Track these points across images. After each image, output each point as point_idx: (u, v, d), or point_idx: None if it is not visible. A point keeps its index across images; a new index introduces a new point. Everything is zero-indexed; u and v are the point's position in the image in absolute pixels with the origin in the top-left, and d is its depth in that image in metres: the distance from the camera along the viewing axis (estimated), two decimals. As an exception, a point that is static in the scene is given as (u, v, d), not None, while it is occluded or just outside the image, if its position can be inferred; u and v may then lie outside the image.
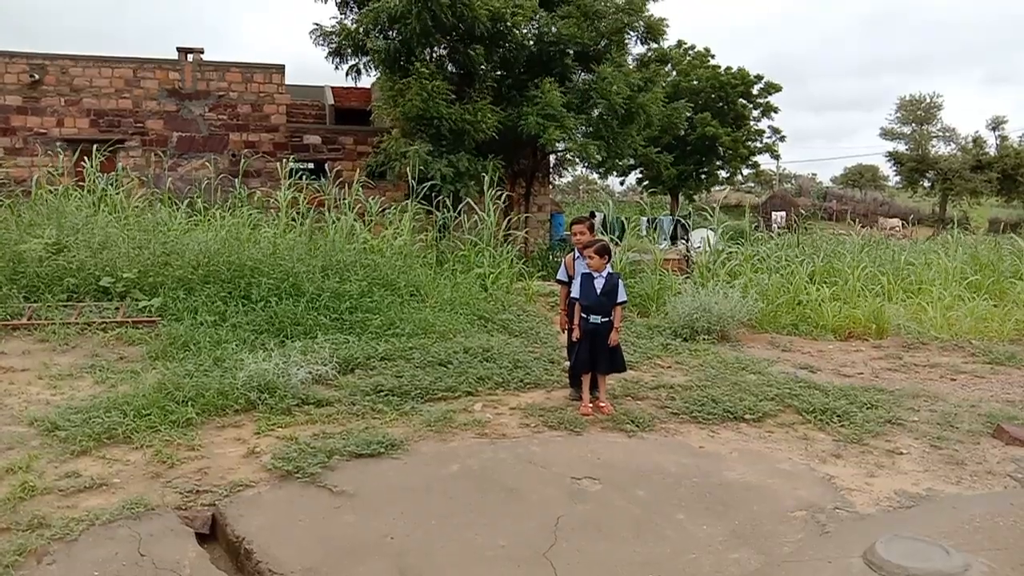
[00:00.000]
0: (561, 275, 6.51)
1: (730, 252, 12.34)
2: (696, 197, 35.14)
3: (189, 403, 5.57)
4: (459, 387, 6.48)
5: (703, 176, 36.69)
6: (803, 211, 28.46)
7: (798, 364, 7.94)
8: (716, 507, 4.50)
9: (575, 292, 6.14)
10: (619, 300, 6.21)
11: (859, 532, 4.14)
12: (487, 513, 4.34)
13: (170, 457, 4.82)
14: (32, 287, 8.31)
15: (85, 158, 12.87)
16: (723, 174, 37.87)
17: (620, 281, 6.18)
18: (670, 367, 7.63)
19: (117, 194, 12.04)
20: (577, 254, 6.34)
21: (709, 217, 14.04)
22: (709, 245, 12.36)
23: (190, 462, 4.82)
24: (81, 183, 12.66)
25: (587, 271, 6.11)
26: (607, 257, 6.09)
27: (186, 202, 12.41)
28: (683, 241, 18.36)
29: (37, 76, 18.16)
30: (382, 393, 6.18)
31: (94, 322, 7.70)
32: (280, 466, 4.72)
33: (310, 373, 6.32)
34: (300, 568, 3.65)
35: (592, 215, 27.34)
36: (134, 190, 13.15)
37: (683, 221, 20.20)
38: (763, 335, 9.40)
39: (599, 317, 6.05)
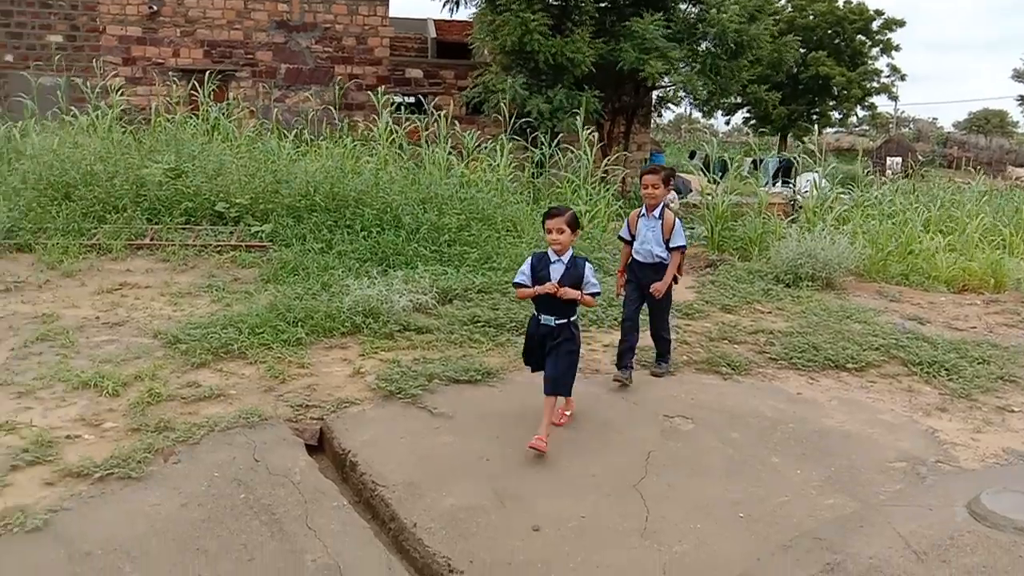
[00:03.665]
0: (623, 233, 5.60)
1: (840, 196, 11.83)
2: (806, 139, 33.65)
3: (299, 324, 5.85)
4: (554, 322, 6.54)
5: (814, 117, 35.03)
6: (920, 157, 26.90)
7: (906, 315, 7.64)
8: (812, 453, 4.45)
9: (521, 277, 4.48)
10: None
11: (962, 485, 4.03)
12: (579, 443, 4.43)
13: (281, 373, 5.11)
14: (153, 210, 8.81)
15: (198, 87, 13.39)
16: (836, 116, 36.07)
17: (590, 270, 4.46)
18: (770, 312, 7.48)
19: (229, 123, 12.51)
20: (643, 211, 5.44)
21: (818, 160, 13.46)
22: (817, 189, 11.88)
23: (300, 379, 5.11)
24: (195, 112, 13.20)
25: (543, 252, 4.49)
26: (576, 232, 4.48)
27: (293, 133, 12.77)
28: (789, 184, 17.71)
29: (155, 7, 18.85)
30: (479, 324, 6.32)
31: (210, 245, 8.13)
32: (383, 386, 4.94)
33: (411, 301, 6.51)
34: (401, 482, 3.85)
35: (692, 154, 26.55)
36: (245, 120, 13.63)
37: (791, 163, 19.44)
38: (871, 284, 9.06)
39: (553, 318, 4.37)
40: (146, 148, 10.50)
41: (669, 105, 21.68)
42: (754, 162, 18.23)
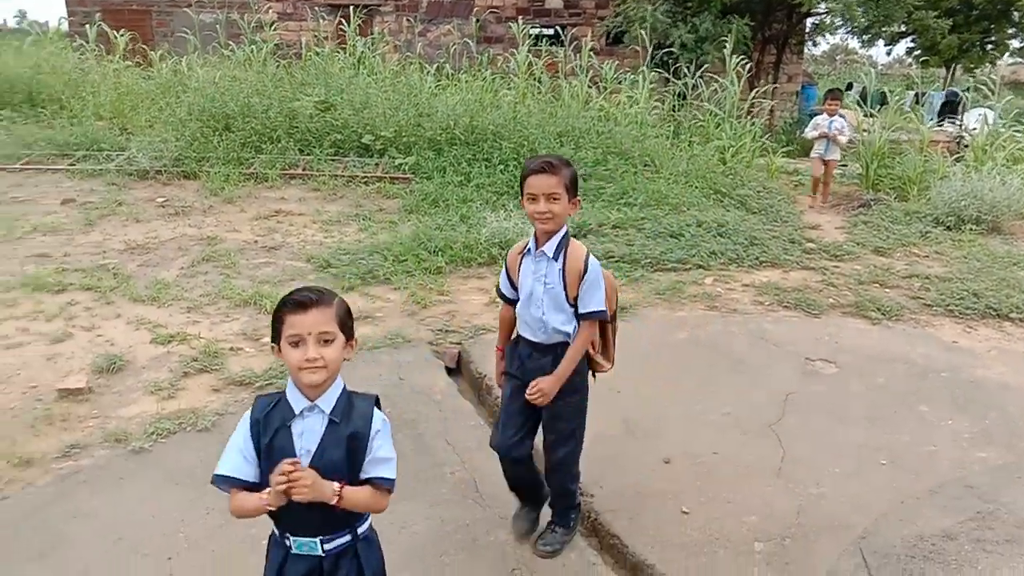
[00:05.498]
0: (504, 286, 3.00)
1: (1014, 134, 10.79)
2: (977, 71, 30.64)
3: (439, 253, 6.06)
4: (690, 260, 6.42)
5: (989, 46, 31.71)
6: (1115, 90, 23.94)
7: (1085, 264, 6.97)
8: (965, 403, 4.22)
9: (234, 459, 1.93)
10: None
11: None
12: (713, 381, 4.39)
13: (423, 299, 5.33)
14: (304, 141, 9.24)
15: (344, 22, 13.73)
16: (1016, 44, 32.47)
17: (375, 415, 2.00)
18: (927, 256, 7.02)
19: (374, 57, 12.83)
20: (530, 246, 2.86)
21: (990, 94, 12.28)
22: (988, 125, 10.88)
23: (440, 305, 5.31)
24: (342, 46, 13.59)
25: (273, 395, 2.01)
26: (353, 342, 2.07)
27: (435, 67, 12.94)
28: (955, 121, 16.30)
29: (306, -57, 19.30)
30: (613, 259, 6.30)
31: (357, 176, 8.48)
32: (518, 316, 5.05)
33: (546, 235, 6.56)
34: (535, 408, 3.96)
35: (849, 86, 24.80)
36: (389, 54, 13.91)
37: (958, 97, 17.84)
38: (1043, 229, 8.31)
39: (317, 539, 1.95)
40: (297, 82, 10.96)
41: (825, 34, 20.22)
42: (917, 96, 16.87)
